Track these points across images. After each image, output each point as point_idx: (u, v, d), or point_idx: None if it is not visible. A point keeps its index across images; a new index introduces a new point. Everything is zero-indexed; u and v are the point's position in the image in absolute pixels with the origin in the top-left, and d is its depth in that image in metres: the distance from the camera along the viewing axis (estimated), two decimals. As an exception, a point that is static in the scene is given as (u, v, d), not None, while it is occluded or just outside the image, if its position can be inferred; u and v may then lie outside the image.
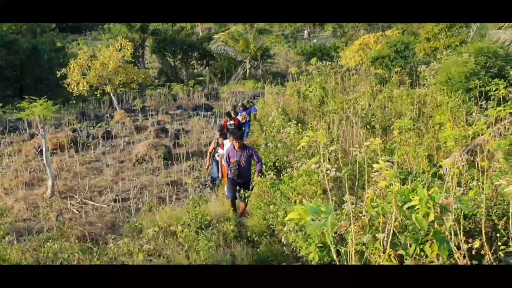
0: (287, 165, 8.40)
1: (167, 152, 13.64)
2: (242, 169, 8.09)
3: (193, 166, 12.75)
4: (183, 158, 13.18)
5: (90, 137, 15.80)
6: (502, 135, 8.45)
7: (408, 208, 3.34)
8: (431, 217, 2.91)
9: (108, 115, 19.06)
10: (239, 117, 13.71)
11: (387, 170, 3.50)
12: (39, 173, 12.25)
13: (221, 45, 26.40)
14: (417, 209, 3.00)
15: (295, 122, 10.57)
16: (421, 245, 3.12)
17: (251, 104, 15.69)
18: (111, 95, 19.43)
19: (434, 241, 2.91)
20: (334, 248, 3.91)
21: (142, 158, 13.41)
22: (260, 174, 7.94)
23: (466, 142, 8.92)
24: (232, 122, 13.08)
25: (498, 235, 3.75)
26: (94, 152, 14.31)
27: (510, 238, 3.40)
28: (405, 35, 25.38)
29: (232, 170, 8.00)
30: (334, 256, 3.87)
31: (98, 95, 18.88)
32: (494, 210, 4.31)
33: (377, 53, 21.01)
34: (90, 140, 15.54)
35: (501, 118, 9.03)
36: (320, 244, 4.41)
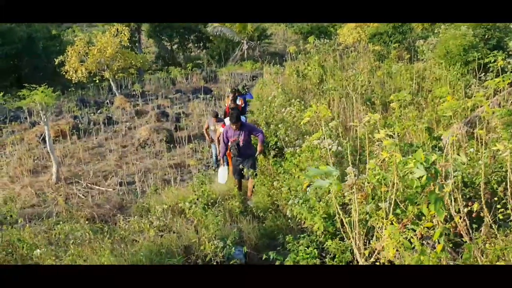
0: (289, 144, 8.49)
1: (169, 136, 13.75)
2: (242, 147, 7.96)
3: (195, 148, 12.86)
4: (185, 141, 13.28)
5: (91, 124, 15.87)
6: (502, 106, 8.53)
7: (406, 174, 3.44)
8: (424, 178, 3.00)
9: (108, 101, 19.09)
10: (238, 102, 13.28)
11: (386, 140, 3.58)
12: (43, 161, 12.36)
13: (218, 27, 26.23)
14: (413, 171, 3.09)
15: (298, 100, 10.62)
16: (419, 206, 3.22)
17: (246, 90, 15.01)
18: (110, 81, 19.44)
19: (431, 202, 3.00)
20: (339, 217, 4.03)
21: (145, 142, 13.52)
22: (262, 145, 8.02)
23: (465, 114, 9.02)
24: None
25: (496, 198, 3.86)
26: (96, 138, 14.40)
27: (509, 202, 3.51)
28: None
29: (232, 150, 7.89)
30: (339, 225, 4.00)
31: (97, 81, 18.88)
32: (493, 177, 4.42)
33: (375, 30, 20.97)
34: (91, 126, 15.61)
35: (500, 90, 9.09)
36: (324, 215, 4.53)
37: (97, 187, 10.11)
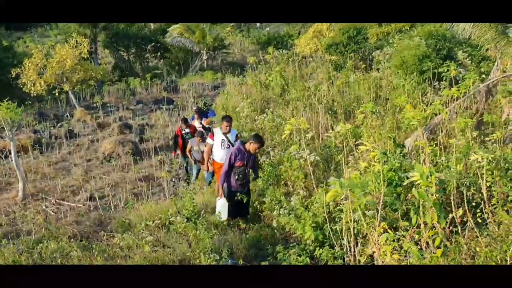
0: (262, 153, 8.75)
1: (134, 148, 13.66)
2: (248, 175, 6.88)
3: (163, 160, 12.87)
4: (151, 153, 13.25)
5: (52, 138, 15.51)
6: (458, 113, 9.15)
7: (395, 185, 3.76)
8: (433, 190, 3.33)
9: (68, 114, 18.68)
10: (201, 123, 11.52)
11: (373, 151, 3.90)
12: (5, 177, 12.00)
13: (177, 37, 26.21)
14: (418, 184, 3.40)
15: (270, 110, 10.92)
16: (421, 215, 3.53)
17: (207, 107, 14.24)
18: (70, 93, 19.03)
19: (434, 210, 3.32)
20: (327, 227, 4.31)
21: (110, 156, 13.37)
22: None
23: (426, 121, 9.59)
24: (187, 130, 10.90)
25: (474, 204, 4.26)
26: (59, 153, 14.10)
27: (485, 206, 3.90)
28: (354, 20, 26.20)
29: (239, 176, 6.62)
30: (327, 233, 4.27)
31: (56, 94, 18.43)
32: (465, 183, 4.84)
33: (331, 40, 21.60)
34: (53, 140, 15.26)
35: (455, 97, 9.73)
36: (313, 224, 4.79)
37: (67, 203, 9.96)
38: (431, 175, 3.28)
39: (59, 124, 17.35)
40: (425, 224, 3.45)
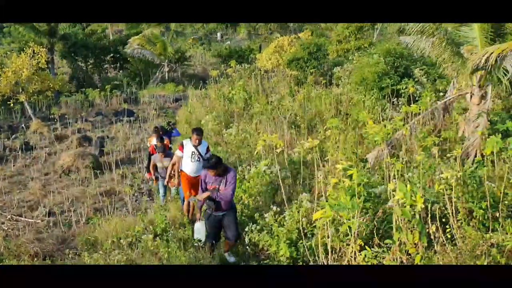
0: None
1: (94, 161, 13.31)
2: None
3: (124, 174, 12.60)
4: (112, 166, 12.94)
5: (7, 150, 14.88)
6: (417, 129, 9.51)
7: (364, 200, 3.86)
8: (418, 208, 3.46)
9: (23, 125, 17.99)
10: (148, 141, 11.24)
11: (350, 170, 4.01)
12: (-45, 192, 11.39)
13: (138, 48, 25.89)
14: (402, 201, 3.52)
15: (236, 125, 10.95)
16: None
17: (171, 126, 13.47)
18: (25, 104, 18.35)
19: (417, 230, 3.45)
20: (301, 243, 4.37)
21: (68, 169, 12.98)
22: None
23: (387, 137, 9.91)
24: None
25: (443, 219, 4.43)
26: (14, 166, 13.55)
27: (453, 221, 4.08)
28: (313, 35, 26.83)
29: (208, 201, 6.20)
30: (302, 250, 4.33)
31: (11, 104, 17.73)
32: (430, 199, 5.04)
33: (292, 56, 21.97)
34: (7, 152, 14.65)
35: (415, 114, 10.13)
36: (288, 241, 4.84)
37: (24, 219, 9.56)
38: (415, 194, 3.43)
39: (13, 136, 16.69)
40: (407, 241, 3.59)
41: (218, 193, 6.10)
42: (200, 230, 6.32)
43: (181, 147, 8.12)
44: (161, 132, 11.02)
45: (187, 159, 7.99)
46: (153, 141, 10.38)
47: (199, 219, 6.41)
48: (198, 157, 7.91)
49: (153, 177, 9.65)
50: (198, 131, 8.00)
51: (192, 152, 7.93)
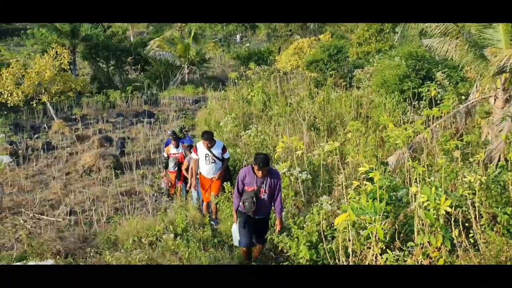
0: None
1: (115, 162, 13.47)
2: (261, 203, 5.82)
3: (144, 174, 12.73)
4: (133, 167, 13.08)
5: (29, 149, 15.17)
6: (439, 133, 9.38)
7: (386, 204, 3.81)
8: (442, 212, 3.41)
9: (45, 125, 18.33)
10: (166, 150, 10.86)
11: (372, 172, 3.97)
12: (-20, 190, 11.64)
13: (159, 50, 26.16)
14: (426, 205, 3.47)
15: (255, 126, 10.97)
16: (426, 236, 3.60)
17: (184, 133, 13.01)
18: (48, 104, 18.69)
19: (440, 233, 3.40)
20: (322, 246, 4.34)
21: (90, 169, 13.15)
22: (281, 218, 5.85)
23: (408, 140, 9.80)
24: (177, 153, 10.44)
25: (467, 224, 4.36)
26: (36, 165, 13.79)
27: (476, 226, 4.01)
28: (333, 37, 26.69)
29: (246, 203, 5.77)
30: (322, 252, 4.30)
31: (34, 105, 18.08)
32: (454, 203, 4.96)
33: (312, 57, 21.90)
34: (29, 152, 14.93)
35: (436, 117, 10.00)
36: (308, 244, 4.82)
37: (46, 217, 9.72)
38: (440, 197, 3.37)
39: (36, 136, 17.01)
40: (430, 244, 3.54)
41: (265, 195, 5.72)
42: (234, 231, 6.06)
43: (196, 149, 8.17)
44: (171, 138, 10.87)
45: (202, 161, 8.05)
46: (171, 150, 10.49)
47: (235, 222, 6.09)
48: (213, 159, 7.94)
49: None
50: (206, 135, 7.94)
51: (206, 154, 7.97)
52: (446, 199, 3.46)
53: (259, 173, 5.71)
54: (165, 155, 10.63)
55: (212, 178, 8.06)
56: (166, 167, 10.73)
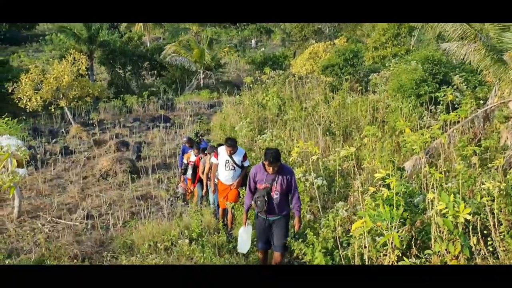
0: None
1: (131, 166, 13.59)
2: (274, 202, 5.55)
3: (160, 179, 12.81)
4: (149, 171, 13.19)
5: (47, 154, 15.40)
6: (456, 138, 9.25)
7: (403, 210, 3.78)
8: (461, 219, 3.36)
9: (63, 130, 18.60)
10: (185, 158, 10.70)
11: (389, 178, 3.94)
12: (-1, 194, 11.85)
13: (175, 56, 26.40)
14: (444, 211, 3.43)
15: (270, 131, 10.96)
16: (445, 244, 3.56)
17: (200, 137, 12.93)
18: (65, 109, 18.98)
19: (458, 241, 3.36)
20: (337, 252, 4.32)
21: (106, 173, 13.29)
22: (300, 218, 5.62)
23: (425, 145, 9.69)
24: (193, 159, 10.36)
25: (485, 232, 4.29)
26: (54, 169, 13.99)
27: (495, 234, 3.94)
28: (349, 42, 26.58)
29: (258, 202, 5.54)
30: (337, 259, 4.28)
31: (52, 110, 18.38)
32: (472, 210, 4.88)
33: (327, 62, 21.83)
34: (48, 156, 15.16)
35: (453, 122, 9.86)
36: (323, 250, 4.79)
37: (63, 221, 9.84)
38: (458, 205, 3.33)
39: (54, 140, 17.27)
40: (448, 252, 3.49)
41: (278, 193, 5.46)
42: (244, 237, 5.82)
43: (216, 154, 8.03)
44: (188, 145, 11.08)
45: (222, 167, 7.92)
46: (192, 157, 10.38)
47: (244, 225, 5.90)
48: (233, 166, 7.80)
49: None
50: (230, 142, 7.79)
51: (226, 160, 7.82)
52: (465, 206, 3.41)
53: (270, 169, 5.50)
54: (185, 161, 10.56)
55: (230, 185, 7.93)
56: (185, 173, 10.70)
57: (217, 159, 8.00)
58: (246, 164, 7.97)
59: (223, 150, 7.89)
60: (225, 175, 7.88)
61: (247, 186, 5.86)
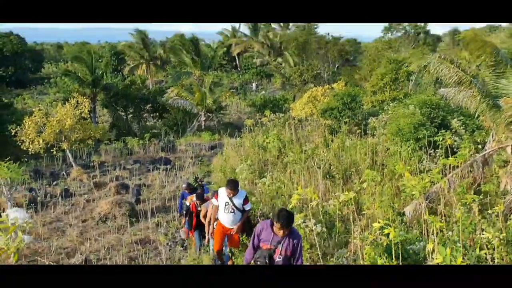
0: (262, 219, 8.73)
1: (130, 209, 13.53)
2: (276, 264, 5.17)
3: (159, 222, 12.73)
4: (148, 214, 13.11)
5: (48, 196, 15.39)
6: (456, 183, 9.27)
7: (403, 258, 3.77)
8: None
9: (64, 172, 18.66)
10: (188, 201, 10.32)
11: (387, 229, 3.95)
12: (-3, 237, 11.75)
13: (177, 99, 26.85)
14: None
15: (270, 174, 10.99)
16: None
17: (199, 182, 12.68)
18: (67, 151, 19.11)
19: None
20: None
21: (106, 216, 13.23)
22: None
23: (424, 190, 9.70)
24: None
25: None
26: (53, 212, 13.94)
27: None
28: (347, 86, 27.06)
29: (258, 263, 5.22)
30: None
31: (54, 152, 18.50)
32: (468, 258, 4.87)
33: (326, 105, 22.13)
34: (48, 199, 15.13)
35: (453, 166, 9.90)
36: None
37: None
38: (456, 259, 3.32)
39: (54, 183, 17.29)
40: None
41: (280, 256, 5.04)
42: None
43: (217, 195, 7.86)
44: (187, 191, 10.91)
45: (221, 209, 7.76)
46: (194, 199, 9.91)
47: None
48: (232, 209, 7.62)
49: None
50: (231, 185, 7.61)
51: (226, 202, 7.64)
52: (464, 258, 3.40)
53: (280, 233, 5.08)
54: (187, 203, 10.15)
55: (230, 229, 7.75)
56: (186, 215, 10.29)
57: (217, 201, 7.81)
58: (247, 207, 7.78)
59: (223, 192, 7.72)
60: (224, 217, 7.70)
61: (251, 240, 5.51)
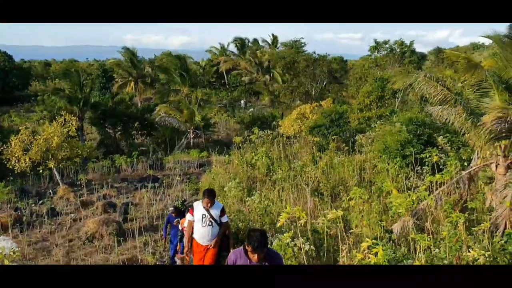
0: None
1: (118, 228, 13.37)
2: None
3: (147, 241, 12.59)
4: (135, 233, 12.97)
5: (34, 215, 15.16)
6: (442, 200, 9.36)
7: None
8: None
9: (50, 191, 18.43)
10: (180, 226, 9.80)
11: (375, 248, 3.98)
12: (-19, 258, 11.52)
13: (165, 116, 26.86)
14: None
15: (258, 192, 10.99)
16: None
17: (186, 206, 12.01)
18: (54, 170, 18.91)
19: None
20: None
21: (92, 236, 13.05)
22: None
23: (411, 207, 9.77)
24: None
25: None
26: (39, 232, 13.72)
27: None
28: (335, 104, 27.34)
29: None
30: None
31: (41, 171, 18.30)
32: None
33: (314, 122, 22.33)
34: (34, 218, 14.91)
35: (439, 183, 10.02)
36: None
37: None
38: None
39: (41, 201, 17.05)
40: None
41: None
42: None
43: (192, 210, 7.46)
44: (174, 214, 10.61)
45: (198, 223, 7.30)
46: (185, 223, 9.66)
47: None
48: (210, 221, 7.20)
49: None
50: (210, 193, 7.33)
51: (203, 215, 7.22)
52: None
53: (254, 257, 4.46)
54: (180, 227, 9.64)
55: (207, 245, 7.32)
56: (181, 240, 9.66)
57: (193, 215, 7.40)
58: (224, 219, 7.44)
59: (199, 205, 7.34)
60: (201, 232, 7.29)
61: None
